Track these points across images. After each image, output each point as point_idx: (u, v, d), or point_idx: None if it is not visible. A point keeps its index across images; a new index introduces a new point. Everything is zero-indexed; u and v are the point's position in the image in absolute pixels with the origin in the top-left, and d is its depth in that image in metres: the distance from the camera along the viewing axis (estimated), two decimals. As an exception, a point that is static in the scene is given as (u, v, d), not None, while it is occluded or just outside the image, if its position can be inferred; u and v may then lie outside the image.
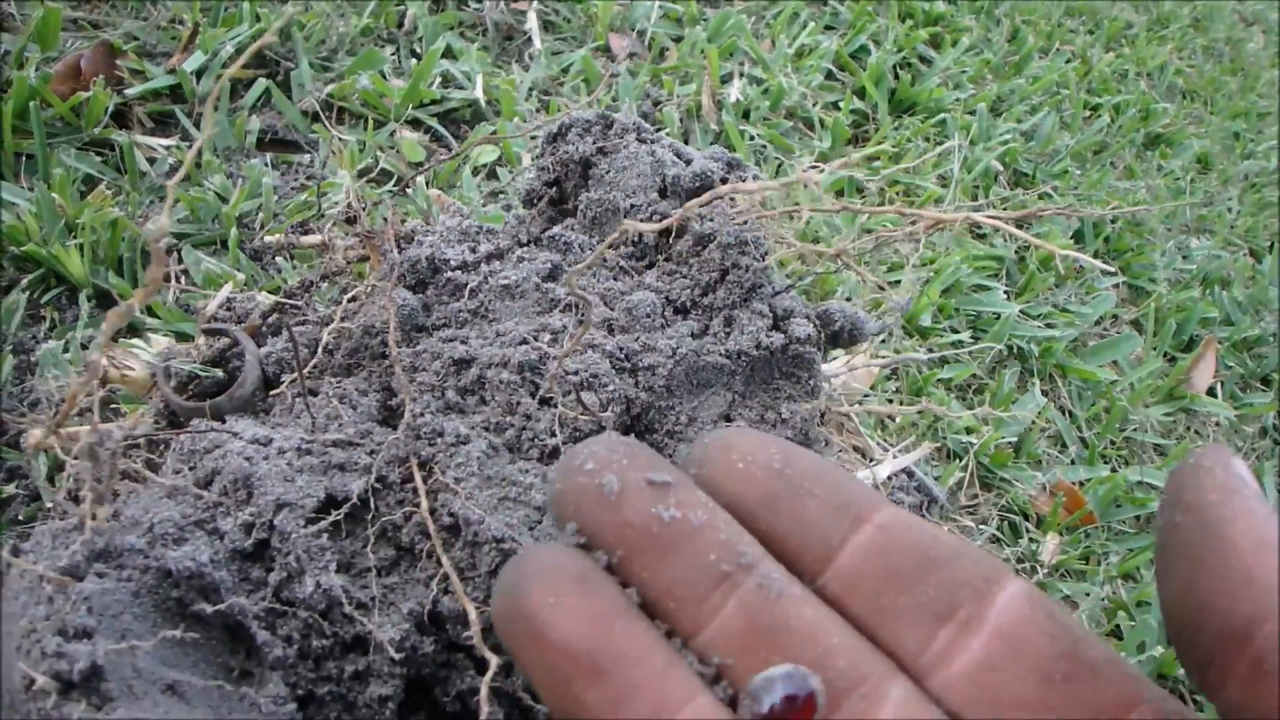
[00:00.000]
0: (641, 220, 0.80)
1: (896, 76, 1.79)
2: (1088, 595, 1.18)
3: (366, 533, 0.65)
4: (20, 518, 0.85)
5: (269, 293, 0.97)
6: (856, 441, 1.20)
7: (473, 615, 0.60)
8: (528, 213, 0.88)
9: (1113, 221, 1.74)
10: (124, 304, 0.46)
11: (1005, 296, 1.49)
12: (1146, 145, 2.02)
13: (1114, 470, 1.36)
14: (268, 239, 1.10)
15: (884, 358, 1.21)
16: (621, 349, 0.74)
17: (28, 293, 1.02)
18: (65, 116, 1.17)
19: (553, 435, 0.69)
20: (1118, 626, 1.18)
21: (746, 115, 1.60)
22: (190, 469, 0.67)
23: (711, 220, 0.78)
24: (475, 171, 1.33)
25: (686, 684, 0.33)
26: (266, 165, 1.24)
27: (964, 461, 1.26)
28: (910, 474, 1.20)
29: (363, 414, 0.72)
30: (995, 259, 1.54)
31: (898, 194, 1.59)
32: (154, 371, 0.79)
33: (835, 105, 1.69)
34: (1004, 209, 1.54)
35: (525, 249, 0.82)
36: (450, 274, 0.79)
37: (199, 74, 1.28)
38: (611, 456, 0.36)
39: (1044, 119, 1.86)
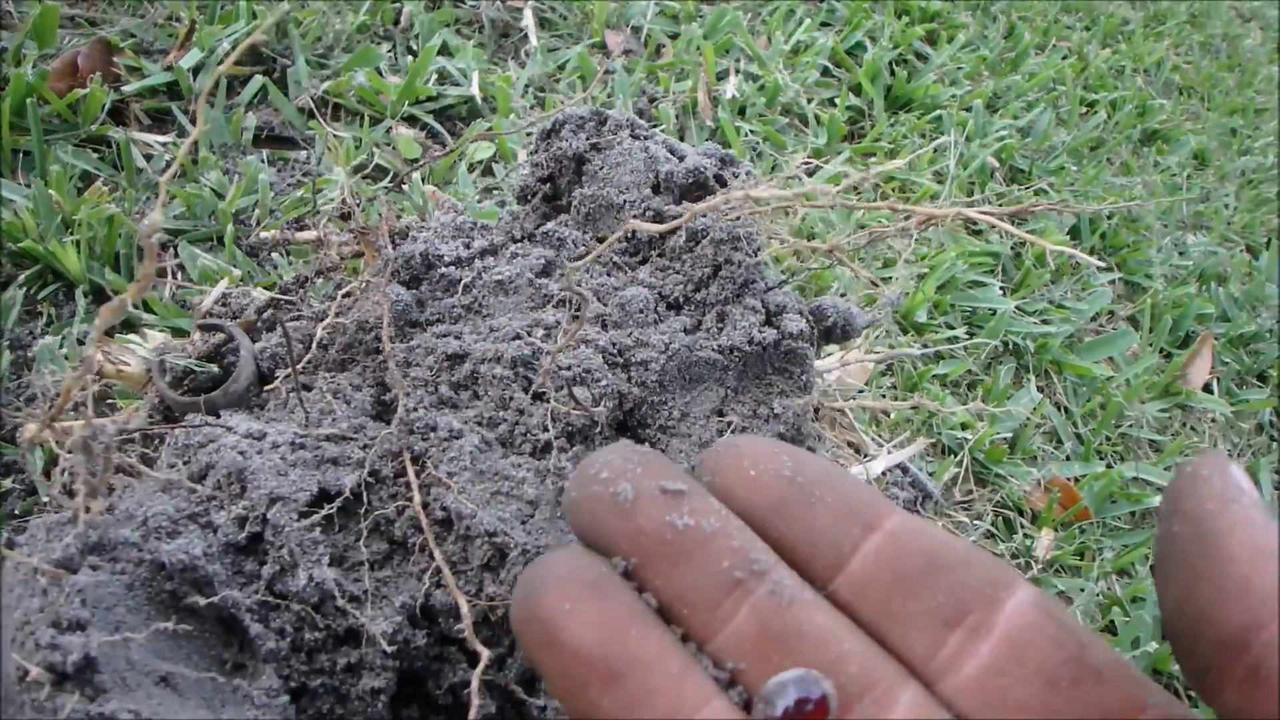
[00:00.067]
0: (635, 216, 0.80)
1: (892, 73, 1.79)
2: (1082, 591, 1.19)
3: (359, 526, 0.65)
4: (17, 512, 0.86)
5: (264, 288, 0.97)
6: (851, 437, 1.20)
7: (465, 609, 0.61)
8: (522, 209, 0.88)
9: (1109, 218, 1.74)
10: (117, 299, 0.46)
11: (1001, 293, 1.49)
12: (1143, 141, 2.02)
13: (1109, 466, 1.37)
14: (263, 235, 1.10)
15: (878, 353, 1.21)
16: (614, 344, 0.74)
17: (25, 289, 1.02)
18: (62, 113, 1.17)
19: (545, 430, 0.69)
20: (1112, 622, 1.18)
21: (742, 112, 1.60)
22: (184, 463, 0.67)
23: (704, 216, 0.79)
24: (471, 168, 1.33)
25: (701, 688, 0.34)
26: (263, 162, 1.24)
27: (959, 457, 1.26)
28: (905, 470, 1.20)
29: (356, 409, 0.72)
30: (991, 255, 1.54)
31: (893, 190, 1.59)
32: (149, 366, 0.79)
33: (831, 102, 1.70)
34: (1000, 205, 1.55)
35: (519, 245, 0.83)
36: (444, 270, 0.79)
37: (196, 71, 1.28)
38: (626, 465, 0.37)
39: (1040, 115, 1.86)
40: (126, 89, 1.23)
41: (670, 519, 0.36)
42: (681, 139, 1.51)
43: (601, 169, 0.83)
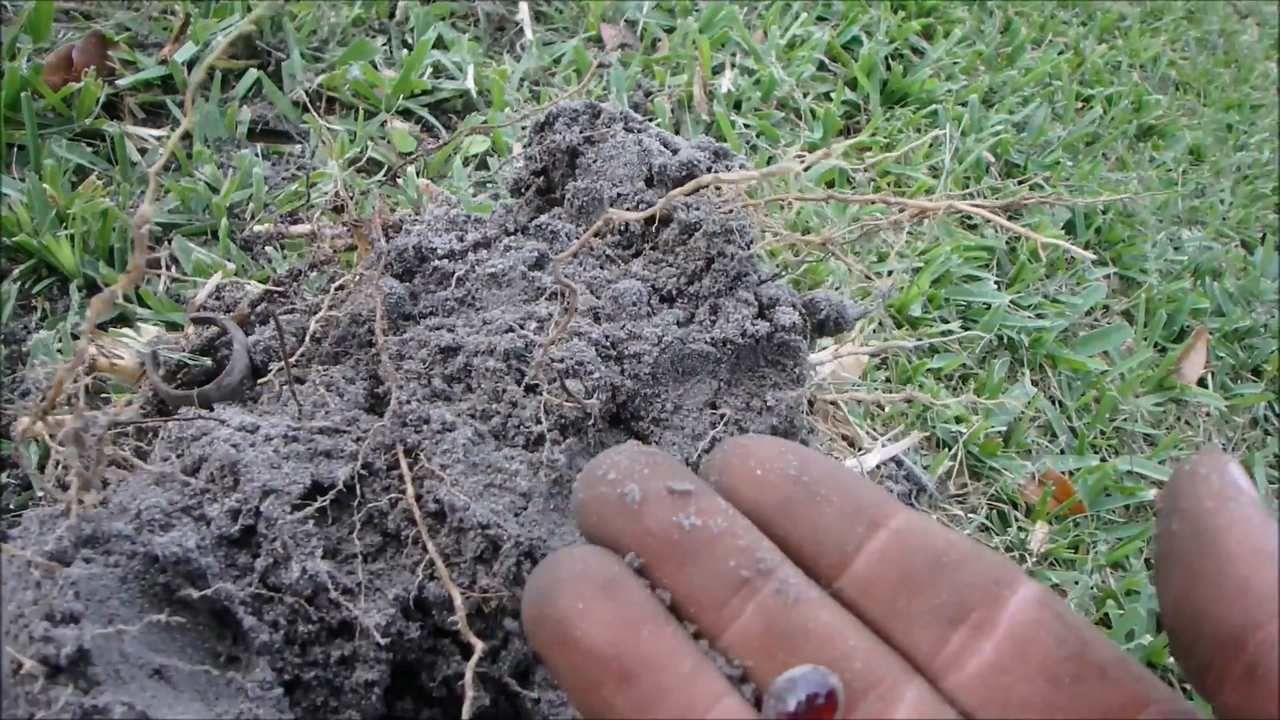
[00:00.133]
0: (628, 209, 0.80)
1: (888, 67, 1.79)
2: (1076, 584, 1.19)
3: (353, 519, 0.65)
4: (11, 507, 0.86)
5: (258, 282, 0.98)
6: (845, 430, 1.20)
7: (458, 601, 0.61)
8: (515, 202, 0.88)
9: (1104, 212, 1.74)
10: (108, 289, 0.46)
11: (996, 287, 1.49)
12: (1139, 137, 2.02)
13: (1103, 460, 1.37)
14: (257, 229, 1.11)
15: (871, 346, 1.21)
16: (607, 337, 0.74)
17: (19, 283, 1.02)
18: (57, 107, 1.17)
19: (538, 422, 0.69)
20: (1106, 615, 1.18)
21: (738, 106, 1.60)
22: (178, 456, 0.67)
23: (697, 209, 0.79)
24: (466, 162, 1.33)
25: (713, 686, 0.34)
26: (257, 155, 1.24)
27: (953, 450, 1.26)
28: (899, 463, 1.21)
29: (349, 401, 0.72)
30: (986, 249, 1.54)
31: (888, 184, 1.59)
32: (142, 360, 0.79)
33: (827, 96, 1.70)
34: (994, 200, 1.55)
35: (512, 238, 0.83)
36: (437, 263, 0.80)
37: (190, 65, 1.28)
38: (633, 466, 0.37)
39: (1036, 110, 1.86)
40: (121, 83, 1.23)
41: (677, 519, 0.36)
42: (677, 133, 1.51)
43: (595, 162, 0.83)
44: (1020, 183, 1.71)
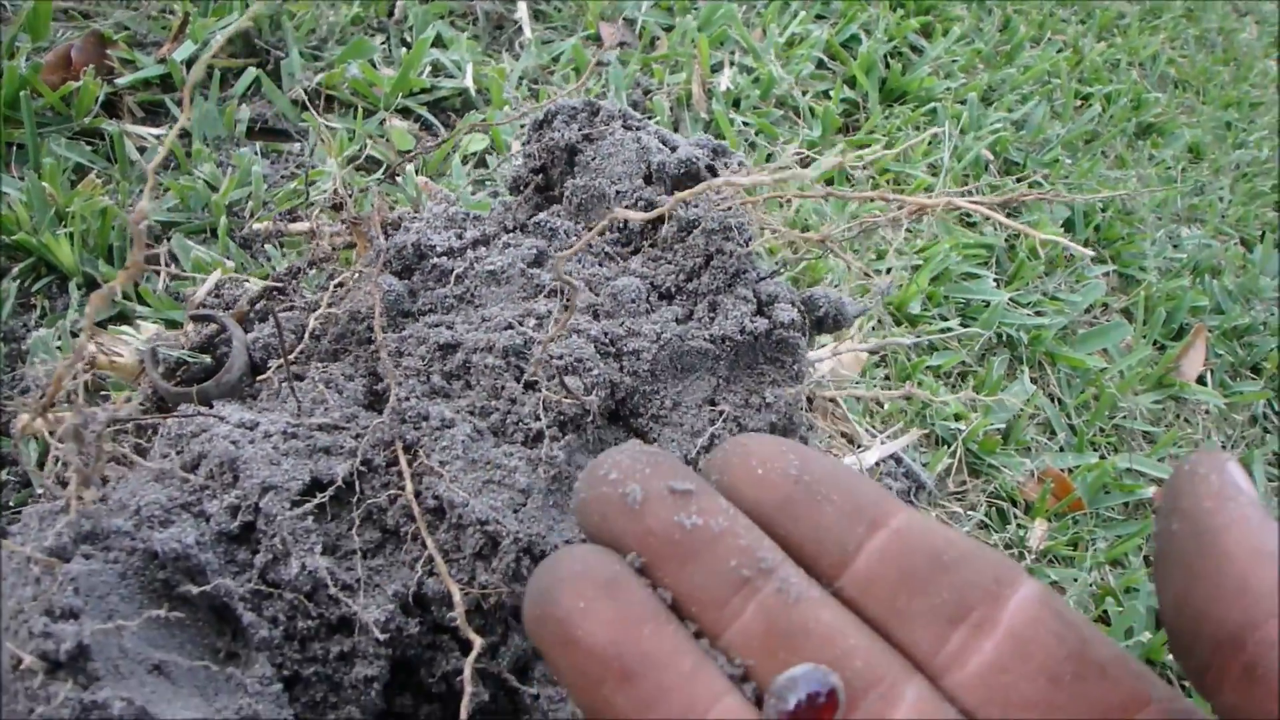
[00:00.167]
0: (627, 206, 0.80)
1: (887, 65, 1.79)
2: (1075, 581, 1.19)
3: (352, 515, 0.65)
4: (11, 504, 0.86)
5: (258, 279, 0.98)
6: (844, 428, 1.20)
7: (457, 597, 0.61)
8: (514, 199, 0.88)
9: (1103, 210, 1.74)
10: (106, 285, 0.46)
11: (995, 284, 1.50)
12: (1138, 135, 2.02)
13: (1102, 457, 1.37)
14: (256, 227, 1.11)
15: (870, 343, 1.21)
16: (606, 334, 0.74)
17: (18, 281, 1.02)
18: (56, 106, 1.17)
19: (537, 419, 0.69)
20: (1105, 612, 1.19)
21: (737, 104, 1.60)
22: (177, 453, 0.67)
23: (696, 206, 0.79)
24: (465, 160, 1.33)
25: (714, 685, 0.34)
26: (256, 154, 1.24)
27: (952, 448, 1.26)
28: (898, 460, 1.21)
29: (348, 398, 0.72)
30: (985, 247, 1.54)
31: (887, 182, 1.59)
32: (142, 357, 0.79)
33: (826, 94, 1.70)
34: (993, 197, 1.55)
35: (511, 235, 0.83)
36: (436, 260, 0.80)
37: (189, 63, 1.28)
38: (635, 466, 0.37)
39: (1035, 108, 1.86)
40: (120, 82, 1.23)
41: (679, 519, 0.36)
42: (676, 131, 1.51)
43: (594, 159, 0.83)
44: (1019, 180, 1.72)
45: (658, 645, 0.34)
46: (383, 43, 1.46)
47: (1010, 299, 1.48)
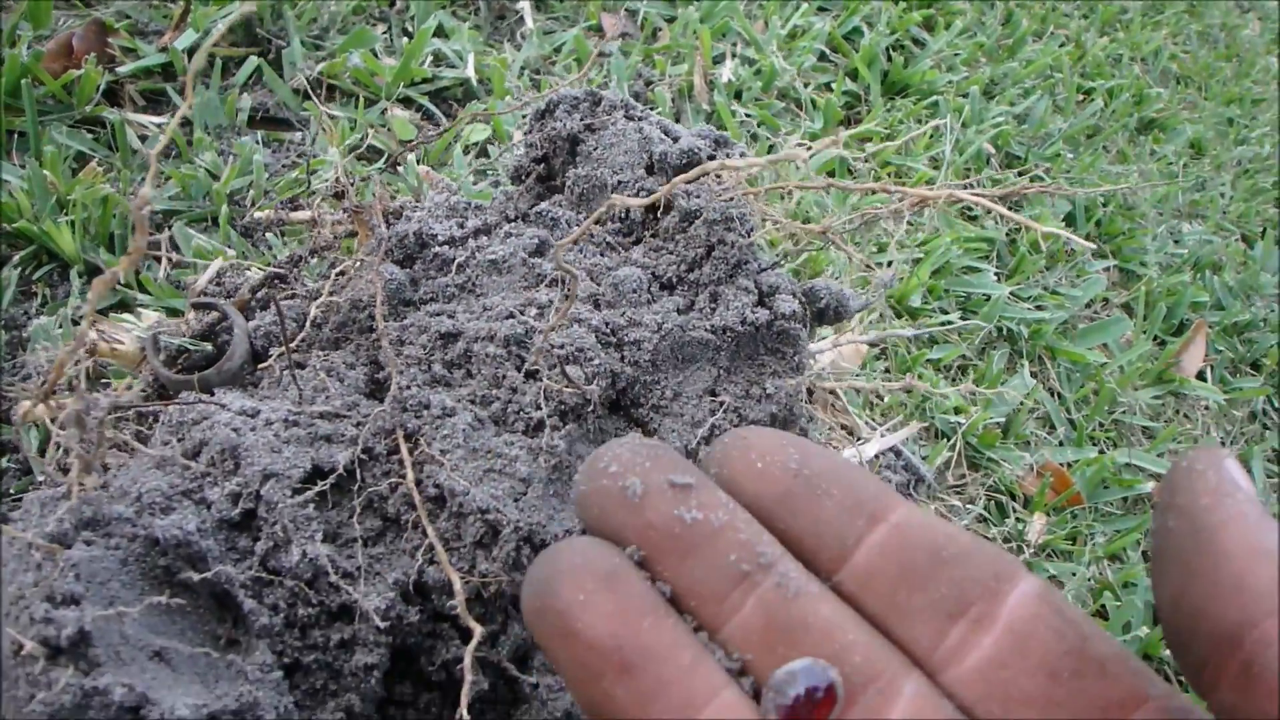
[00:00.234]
0: (629, 196, 0.80)
1: (889, 58, 1.79)
2: (1074, 575, 1.19)
3: (353, 503, 0.65)
4: (12, 491, 0.86)
5: (259, 267, 0.98)
6: (844, 420, 1.21)
7: (457, 585, 0.61)
8: (516, 189, 0.88)
9: (1105, 205, 1.74)
10: (109, 271, 0.46)
11: (995, 278, 1.50)
12: (1140, 130, 2.02)
13: (1102, 452, 1.37)
14: (258, 215, 1.11)
15: (871, 335, 1.21)
16: (607, 324, 0.74)
17: (19, 269, 1.02)
18: (57, 94, 1.17)
19: (538, 408, 0.69)
20: (1103, 607, 1.19)
21: (739, 96, 1.60)
22: (178, 440, 0.67)
23: (698, 197, 0.79)
24: (466, 149, 1.33)
25: (712, 679, 0.34)
26: (258, 143, 1.24)
27: (952, 441, 1.26)
28: (898, 453, 1.21)
29: (350, 386, 0.72)
30: (986, 241, 1.54)
31: (889, 175, 1.59)
32: (143, 345, 0.79)
33: (828, 86, 1.70)
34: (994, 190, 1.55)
35: (513, 224, 0.83)
36: (438, 249, 0.80)
37: (191, 52, 1.28)
38: (635, 459, 0.37)
39: (1037, 102, 1.86)
40: (121, 70, 1.23)
41: (678, 513, 0.36)
42: (677, 122, 1.50)
43: (595, 149, 0.83)
44: (1020, 174, 1.71)
45: (657, 638, 0.34)
46: (384, 32, 1.46)
47: (1011, 293, 1.48)
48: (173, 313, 0.98)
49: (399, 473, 0.66)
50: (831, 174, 1.52)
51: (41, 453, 0.85)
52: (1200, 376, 1.57)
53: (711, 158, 0.82)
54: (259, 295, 0.84)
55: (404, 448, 0.66)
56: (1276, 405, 1.61)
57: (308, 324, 0.77)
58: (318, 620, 0.62)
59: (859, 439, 1.19)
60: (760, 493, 0.37)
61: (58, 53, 1.20)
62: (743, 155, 0.82)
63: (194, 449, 0.66)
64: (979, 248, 1.52)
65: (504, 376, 0.71)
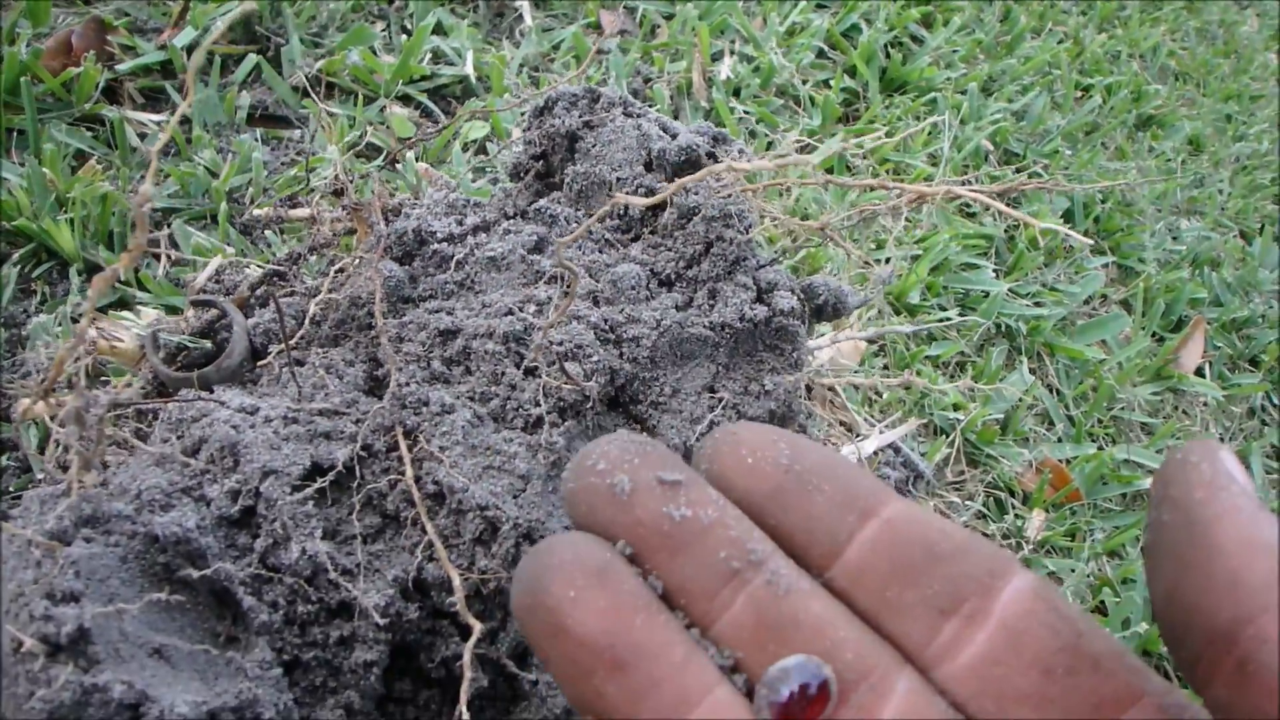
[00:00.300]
0: (627, 193, 0.80)
1: (888, 55, 1.79)
2: (1073, 572, 1.20)
3: (352, 500, 0.65)
4: (11, 489, 0.86)
5: (258, 265, 0.98)
6: (843, 417, 1.21)
7: (457, 582, 0.61)
8: (514, 186, 0.88)
9: (1103, 201, 1.74)
10: (109, 268, 0.46)
11: (994, 275, 1.50)
12: (1138, 126, 2.02)
13: (1101, 448, 1.37)
14: (257, 213, 1.11)
15: (869, 331, 1.21)
16: (606, 320, 0.74)
17: (19, 267, 1.02)
18: (56, 92, 1.17)
19: (537, 405, 0.69)
20: (1102, 603, 1.19)
21: (737, 93, 1.60)
22: (178, 437, 0.68)
23: (697, 194, 0.79)
24: (465, 147, 1.33)
25: (705, 676, 0.34)
26: (257, 140, 1.24)
27: (951, 438, 1.27)
28: (896, 449, 1.21)
29: (349, 384, 0.72)
30: (984, 238, 1.54)
31: (887, 171, 1.59)
32: (143, 342, 0.79)
33: (826, 83, 1.69)
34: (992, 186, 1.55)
35: (511, 221, 0.83)
36: (437, 246, 0.80)
37: (190, 50, 1.28)
38: (623, 456, 0.37)
39: (1035, 99, 1.86)
40: (120, 68, 1.23)
41: (668, 510, 0.36)
42: (676, 119, 1.50)
43: (594, 146, 0.83)
44: (1019, 171, 1.71)
45: (649, 635, 0.34)
46: (383, 29, 1.46)
47: (1009, 289, 1.48)
48: (172, 310, 0.98)
49: (398, 470, 0.66)
50: (830, 171, 1.52)
51: (41, 450, 0.85)
52: (1199, 373, 1.57)
53: (710, 154, 0.82)
54: (258, 292, 0.84)
55: (403, 445, 0.66)
56: (1275, 401, 1.61)
57: (307, 321, 0.77)
58: (317, 617, 0.62)
59: (858, 436, 1.19)
60: (751, 489, 0.37)
61: (57, 50, 1.20)
62: (741, 153, 0.82)
63: (193, 446, 0.66)
64: (977, 244, 1.53)
65: (503, 373, 0.71)
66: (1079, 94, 2.00)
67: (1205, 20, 2.52)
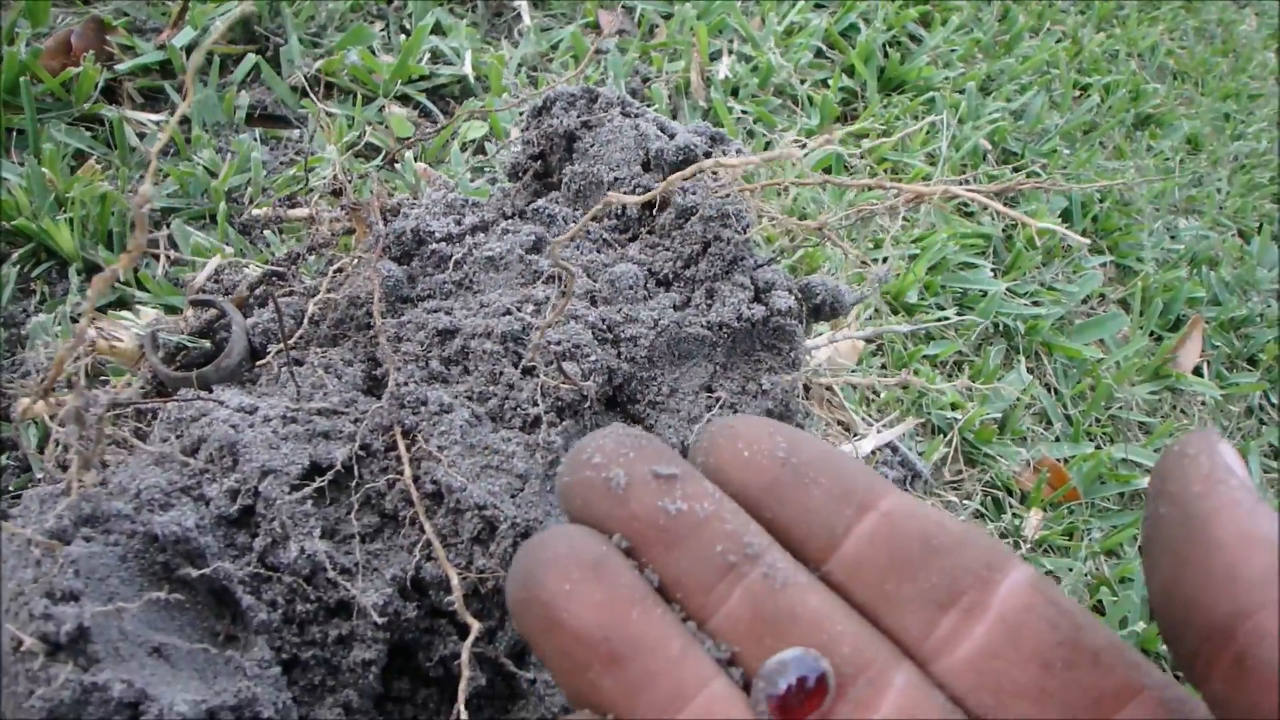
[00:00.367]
0: (625, 193, 0.80)
1: (886, 55, 1.79)
2: (1070, 571, 1.20)
3: (350, 500, 0.65)
4: (11, 489, 0.86)
5: (257, 265, 0.98)
6: (841, 416, 1.21)
7: (455, 581, 0.61)
8: (512, 186, 0.88)
9: (1101, 201, 1.74)
10: (109, 268, 0.47)
11: (992, 274, 1.50)
12: (1136, 125, 2.02)
13: (1098, 448, 1.37)
14: (256, 212, 1.11)
15: (867, 330, 1.21)
16: (604, 320, 0.75)
17: (18, 267, 1.02)
18: (56, 92, 1.17)
19: (535, 405, 0.69)
20: (1100, 602, 1.19)
21: (735, 93, 1.60)
22: (177, 437, 0.68)
23: (694, 193, 0.79)
24: (463, 146, 1.33)
25: (702, 669, 0.33)
26: (255, 140, 1.24)
27: (948, 437, 1.27)
28: (894, 449, 1.21)
29: (347, 383, 0.73)
30: (982, 237, 1.54)
31: (885, 171, 1.60)
32: (142, 342, 0.79)
33: (824, 83, 1.70)
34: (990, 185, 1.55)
35: (510, 221, 0.83)
36: (435, 246, 0.80)
37: (189, 49, 1.28)
38: (618, 449, 0.36)
39: (1033, 98, 1.86)
40: (120, 67, 1.23)
41: (663, 504, 0.35)
42: (674, 119, 1.51)
43: (592, 146, 0.83)
44: (1017, 170, 1.72)
45: (646, 629, 0.33)
46: (382, 29, 1.46)
47: (1007, 289, 1.48)
48: (171, 310, 0.98)
49: (397, 469, 0.66)
50: (828, 170, 1.52)
51: (41, 450, 0.85)
52: (1197, 372, 1.58)
53: (708, 154, 0.82)
54: (257, 292, 0.84)
55: (401, 444, 0.66)
56: (1273, 400, 1.62)
57: (306, 321, 0.77)
58: (316, 616, 0.62)
59: (855, 435, 1.20)
60: (747, 482, 0.37)
61: (56, 50, 1.20)
62: (739, 152, 0.82)
63: (192, 446, 0.66)
64: (975, 244, 1.53)
65: (501, 373, 0.71)
66: (1077, 93, 2.00)
67: (1203, 19, 2.52)
